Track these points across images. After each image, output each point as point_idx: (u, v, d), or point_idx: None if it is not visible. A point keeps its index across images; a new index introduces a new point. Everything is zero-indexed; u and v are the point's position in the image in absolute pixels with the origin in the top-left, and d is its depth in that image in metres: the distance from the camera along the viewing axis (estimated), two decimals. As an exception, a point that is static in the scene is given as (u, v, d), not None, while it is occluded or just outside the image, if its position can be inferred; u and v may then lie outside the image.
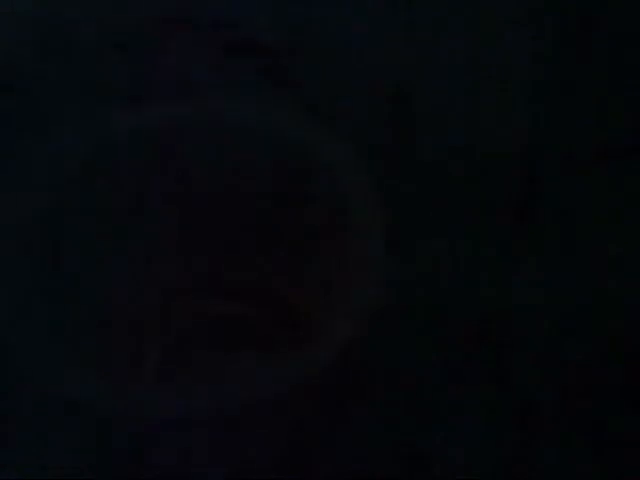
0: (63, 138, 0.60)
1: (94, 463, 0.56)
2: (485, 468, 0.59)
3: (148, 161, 0.62)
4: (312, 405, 0.60)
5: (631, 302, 0.67)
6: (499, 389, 0.63)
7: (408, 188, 0.73)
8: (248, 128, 0.64)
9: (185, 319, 0.66)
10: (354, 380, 0.63)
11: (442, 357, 0.64)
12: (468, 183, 0.73)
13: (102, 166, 0.61)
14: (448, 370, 0.64)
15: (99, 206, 0.61)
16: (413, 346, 0.65)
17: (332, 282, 0.59)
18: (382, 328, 0.62)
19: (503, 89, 0.79)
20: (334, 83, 0.79)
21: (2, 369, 0.59)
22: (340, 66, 0.81)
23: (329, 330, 0.54)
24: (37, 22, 0.84)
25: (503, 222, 0.71)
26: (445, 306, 0.66)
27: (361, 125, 0.76)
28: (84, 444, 0.58)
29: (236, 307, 0.66)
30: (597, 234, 0.70)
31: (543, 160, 0.75)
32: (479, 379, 0.63)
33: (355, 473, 0.59)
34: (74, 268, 0.59)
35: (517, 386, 0.63)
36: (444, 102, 0.78)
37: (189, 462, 0.56)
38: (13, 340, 0.51)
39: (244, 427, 0.55)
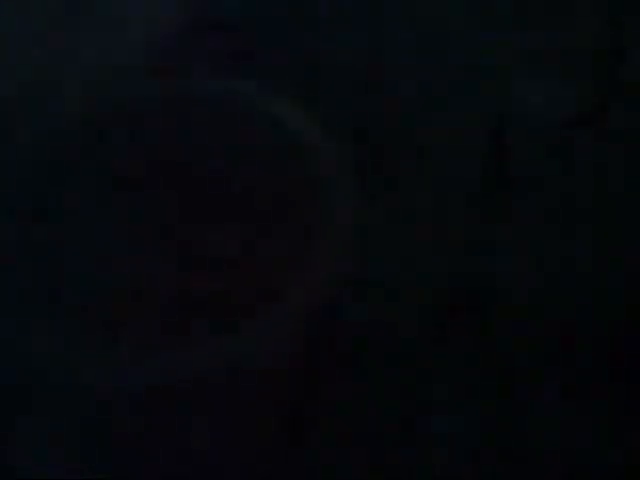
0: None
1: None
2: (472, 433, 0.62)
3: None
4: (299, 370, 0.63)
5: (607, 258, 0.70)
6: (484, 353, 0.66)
7: (380, 154, 0.76)
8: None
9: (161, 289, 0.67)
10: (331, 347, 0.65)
11: (427, 323, 0.67)
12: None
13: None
14: (432, 335, 0.66)
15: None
16: (397, 313, 0.67)
17: (301, 253, 0.61)
18: (362, 296, 0.65)
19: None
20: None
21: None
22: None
23: (298, 299, 0.56)
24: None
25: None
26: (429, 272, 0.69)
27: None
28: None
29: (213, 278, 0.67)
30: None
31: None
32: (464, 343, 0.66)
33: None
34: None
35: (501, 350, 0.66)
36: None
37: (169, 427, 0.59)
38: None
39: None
